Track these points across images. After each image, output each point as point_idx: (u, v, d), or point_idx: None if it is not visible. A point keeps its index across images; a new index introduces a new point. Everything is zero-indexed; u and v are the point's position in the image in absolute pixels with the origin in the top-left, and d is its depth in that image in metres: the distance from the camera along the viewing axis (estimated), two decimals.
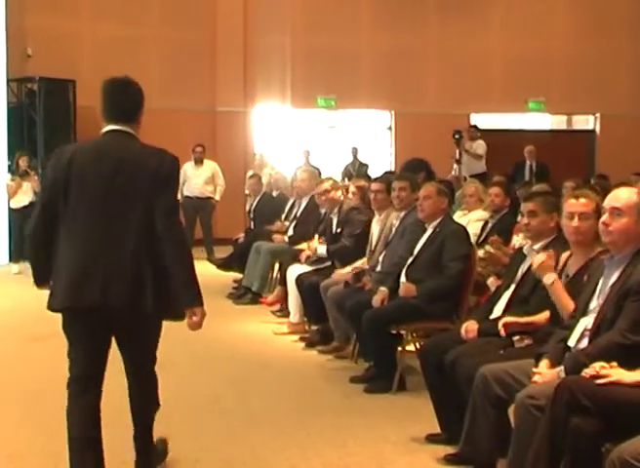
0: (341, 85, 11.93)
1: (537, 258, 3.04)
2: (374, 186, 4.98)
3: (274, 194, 7.95)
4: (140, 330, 2.73)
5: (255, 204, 7.89)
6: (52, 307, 2.70)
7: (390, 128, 12.58)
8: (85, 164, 2.72)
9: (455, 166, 10.18)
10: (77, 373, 2.74)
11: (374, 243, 4.94)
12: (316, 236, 5.69)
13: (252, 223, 7.94)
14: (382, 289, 4.26)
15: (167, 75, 11.30)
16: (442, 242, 4.11)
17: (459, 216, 5.54)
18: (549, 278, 2.96)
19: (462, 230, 4.23)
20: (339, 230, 5.50)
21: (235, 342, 5.41)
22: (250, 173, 9.37)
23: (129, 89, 2.80)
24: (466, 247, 4.13)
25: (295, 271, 5.55)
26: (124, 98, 2.77)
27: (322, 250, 5.47)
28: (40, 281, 2.79)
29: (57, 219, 2.70)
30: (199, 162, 9.62)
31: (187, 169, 9.31)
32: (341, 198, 5.65)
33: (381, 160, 12.69)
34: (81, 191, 2.69)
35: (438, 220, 4.22)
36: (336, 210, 5.63)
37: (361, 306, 4.25)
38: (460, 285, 4.04)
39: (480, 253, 4.39)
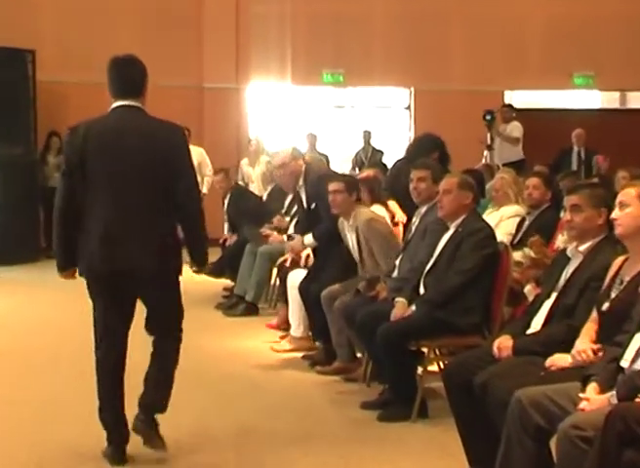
0: (351, 58, 11.94)
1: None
2: (331, 186, 4.96)
3: (269, 187, 7.88)
4: (159, 289, 3.52)
5: (226, 205, 7.74)
6: (80, 273, 3.54)
7: (409, 107, 12.58)
8: (102, 138, 3.48)
9: (485, 152, 10.17)
10: (101, 338, 3.56)
11: (356, 255, 4.95)
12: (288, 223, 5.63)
13: (227, 227, 7.82)
14: (399, 300, 4.26)
15: (143, 45, 11.21)
16: (459, 244, 4.12)
17: (489, 213, 5.53)
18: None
19: (485, 229, 4.22)
20: (313, 205, 5.44)
21: (227, 360, 5.41)
22: (245, 160, 9.36)
23: (134, 65, 3.61)
24: (488, 249, 4.12)
25: (296, 277, 5.54)
26: (130, 74, 3.56)
27: (309, 240, 5.43)
28: (66, 263, 3.55)
29: (77, 194, 3.47)
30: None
31: None
32: (303, 167, 5.58)
33: (398, 145, 12.67)
34: (101, 164, 3.45)
35: (461, 219, 4.21)
36: (301, 182, 5.59)
37: (374, 319, 4.25)
38: (471, 281, 4.06)
39: (517, 255, 4.37)
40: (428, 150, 5.68)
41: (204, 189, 9.61)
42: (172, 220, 3.53)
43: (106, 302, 3.52)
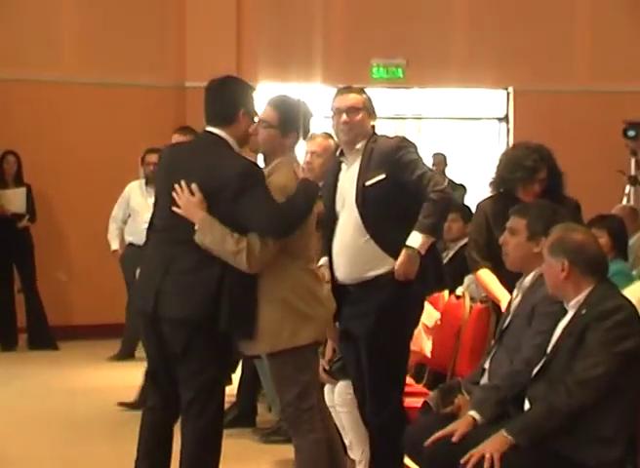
0: (415, 43, 12.08)
1: None
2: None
3: None
4: (190, 344, 4.61)
5: None
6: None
7: (505, 118, 12.63)
8: (165, 164, 4.92)
9: (628, 188, 10.14)
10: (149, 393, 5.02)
11: None
12: None
13: None
14: (472, 414, 4.28)
15: (95, 28, 11.53)
16: (582, 333, 4.10)
17: (632, 284, 5.53)
18: None
19: (624, 310, 4.16)
20: (380, 178, 5.34)
21: None
22: None
23: (224, 89, 4.82)
24: (629, 341, 4.07)
25: (343, 394, 5.55)
26: (216, 100, 4.79)
27: (418, 239, 5.19)
28: None
29: None
30: (154, 181, 9.72)
31: (133, 194, 9.57)
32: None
33: (490, 177, 12.67)
34: (159, 192, 4.93)
35: (583, 294, 4.21)
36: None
37: (452, 450, 4.22)
38: (604, 394, 4.01)
39: None
40: (529, 169, 5.56)
41: None
42: (217, 267, 4.57)
43: (147, 346, 4.90)
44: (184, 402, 4.68)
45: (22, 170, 10.69)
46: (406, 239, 5.08)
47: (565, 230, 4.33)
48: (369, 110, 5.38)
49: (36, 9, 11.37)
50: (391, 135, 5.58)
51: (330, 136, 5.84)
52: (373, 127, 5.43)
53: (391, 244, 5.14)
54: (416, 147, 5.37)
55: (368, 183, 5.18)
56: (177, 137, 7.39)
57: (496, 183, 5.84)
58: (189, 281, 4.59)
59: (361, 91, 5.49)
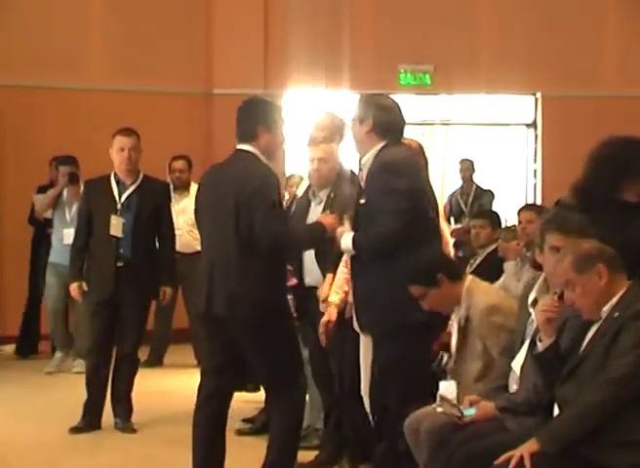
0: (442, 49, 12.08)
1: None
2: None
3: None
4: (254, 342, 5.24)
5: None
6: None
7: (534, 124, 12.60)
8: (205, 180, 5.59)
9: None
10: (202, 381, 5.49)
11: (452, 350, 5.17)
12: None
13: None
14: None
15: (123, 35, 11.59)
16: (616, 334, 4.09)
17: None
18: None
19: None
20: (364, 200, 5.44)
21: None
22: None
23: (247, 108, 5.39)
24: None
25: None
26: (241, 119, 5.37)
27: (347, 243, 5.31)
28: None
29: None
30: (181, 188, 9.79)
31: None
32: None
33: (517, 184, 12.66)
34: (202, 208, 5.54)
35: (615, 299, 4.21)
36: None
37: (482, 457, 4.22)
38: (631, 395, 4.00)
39: None
40: (614, 167, 4.90)
41: None
42: (255, 267, 5.15)
43: (205, 346, 5.58)
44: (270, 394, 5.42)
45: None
46: None
47: (574, 248, 4.29)
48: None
49: (64, 16, 11.43)
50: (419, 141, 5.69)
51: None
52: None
53: None
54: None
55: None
56: (120, 139, 7.59)
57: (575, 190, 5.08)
58: (231, 280, 5.19)
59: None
